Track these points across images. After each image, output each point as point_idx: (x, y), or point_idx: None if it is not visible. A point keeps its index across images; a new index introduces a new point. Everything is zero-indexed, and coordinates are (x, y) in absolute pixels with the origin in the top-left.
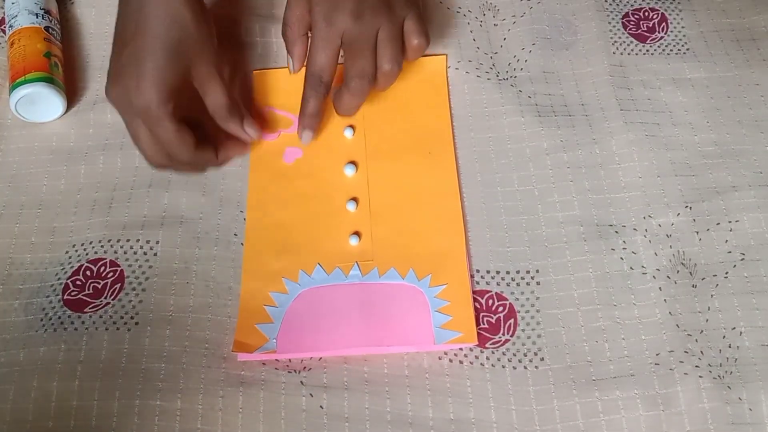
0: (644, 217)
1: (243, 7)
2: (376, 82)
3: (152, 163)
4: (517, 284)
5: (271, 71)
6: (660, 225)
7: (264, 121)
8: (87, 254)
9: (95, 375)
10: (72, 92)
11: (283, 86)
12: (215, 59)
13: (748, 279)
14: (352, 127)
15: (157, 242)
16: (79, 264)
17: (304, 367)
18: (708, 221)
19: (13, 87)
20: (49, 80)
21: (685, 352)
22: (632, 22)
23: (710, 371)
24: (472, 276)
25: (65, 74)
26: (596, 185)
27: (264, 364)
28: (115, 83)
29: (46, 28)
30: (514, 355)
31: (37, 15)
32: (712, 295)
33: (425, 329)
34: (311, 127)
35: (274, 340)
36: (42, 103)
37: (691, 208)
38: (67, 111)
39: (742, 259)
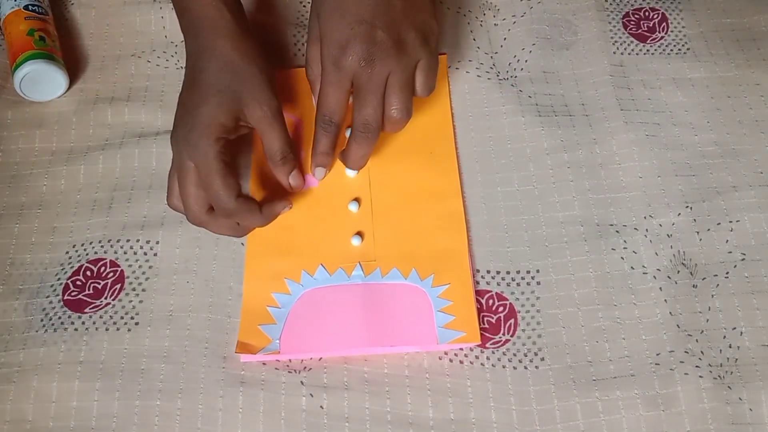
0: (645, 217)
1: (245, 8)
2: (383, 128)
3: (192, 214)
4: (518, 284)
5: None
6: (660, 225)
7: None
8: (87, 254)
9: (95, 375)
10: (72, 93)
11: (284, 87)
12: (273, 101)
13: (748, 279)
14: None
15: (157, 242)
16: (79, 264)
17: (305, 367)
18: (708, 221)
19: (13, 76)
20: (36, 56)
21: (686, 352)
22: (632, 22)
23: (710, 371)
24: (472, 276)
25: (66, 62)
26: (596, 185)
27: (264, 364)
28: (174, 131)
29: (26, 7)
30: (515, 355)
31: None
32: (712, 295)
33: (428, 329)
34: (324, 165)
35: (277, 341)
36: (41, 79)
37: (691, 208)
38: (69, 88)
39: (743, 259)
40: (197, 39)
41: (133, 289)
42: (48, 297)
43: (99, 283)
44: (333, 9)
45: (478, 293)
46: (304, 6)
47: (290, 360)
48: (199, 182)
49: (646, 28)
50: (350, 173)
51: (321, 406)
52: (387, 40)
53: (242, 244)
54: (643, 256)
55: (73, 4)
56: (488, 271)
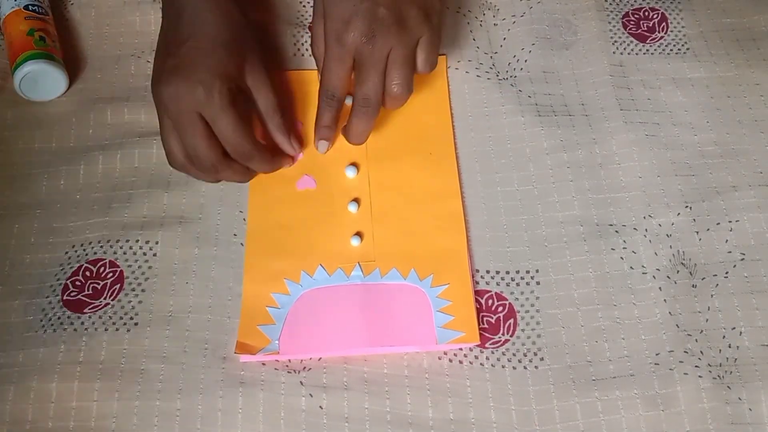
0: (644, 217)
1: (245, 8)
2: (384, 104)
3: (206, 165)
4: (517, 284)
5: (272, 73)
6: (660, 225)
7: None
8: (86, 254)
9: (94, 375)
10: (72, 93)
11: (284, 88)
12: (264, 61)
13: (748, 279)
14: None
15: (157, 242)
16: (78, 264)
17: (304, 368)
18: (708, 221)
19: (13, 76)
20: (36, 56)
21: (685, 352)
22: (632, 22)
23: (710, 371)
24: (472, 276)
25: (66, 62)
26: (596, 185)
27: (264, 364)
28: (168, 82)
29: (26, 7)
30: (514, 355)
31: None
32: (712, 295)
33: (427, 329)
34: (327, 138)
35: (277, 342)
36: (41, 79)
37: (691, 207)
38: (69, 88)
39: (742, 259)
40: None
41: (133, 290)
42: (47, 297)
43: (98, 284)
44: None
45: (478, 293)
46: (304, 6)
47: (290, 360)
48: (208, 132)
49: (645, 28)
50: (350, 173)
51: (320, 407)
52: (389, 16)
53: (242, 244)
54: (642, 256)
55: (73, 4)
56: (488, 271)
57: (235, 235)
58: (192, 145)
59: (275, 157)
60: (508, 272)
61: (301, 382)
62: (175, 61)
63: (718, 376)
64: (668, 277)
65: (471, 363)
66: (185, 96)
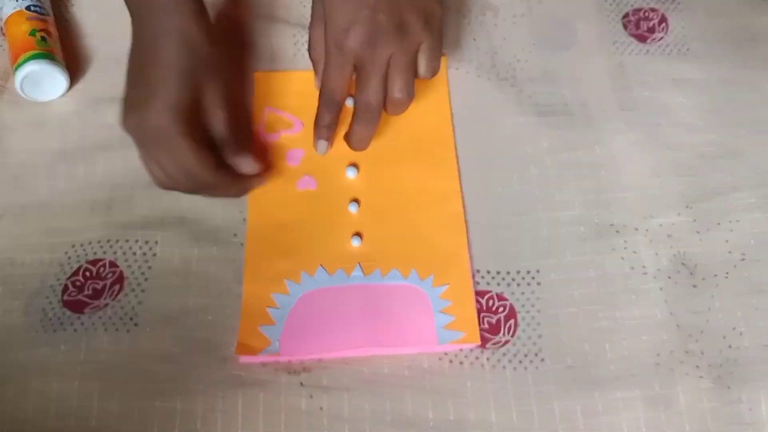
0: (645, 217)
1: (245, 8)
2: (386, 109)
3: (190, 188)
4: (518, 284)
5: (273, 73)
6: (660, 225)
7: (264, 139)
8: (86, 255)
9: (95, 376)
10: (73, 93)
11: (285, 88)
12: (223, 86)
13: (748, 279)
14: None
15: (157, 242)
16: (78, 265)
17: (304, 368)
18: (708, 221)
19: (14, 76)
20: (38, 56)
21: (686, 352)
22: (632, 23)
23: (710, 371)
24: (472, 276)
25: (67, 62)
26: (597, 185)
27: (264, 364)
28: (131, 113)
29: (27, 7)
30: (515, 355)
31: None
32: (712, 296)
33: (428, 330)
34: (326, 137)
35: (277, 342)
36: (42, 79)
37: (691, 208)
38: (70, 89)
39: (743, 260)
40: (156, 18)
41: (133, 290)
42: (48, 297)
43: (98, 284)
44: None
45: (479, 293)
46: (305, 6)
47: (290, 361)
48: (174, 164)
49: (645, 29)
50: (350, 174)
51: (321, 407)
52: (388, 23)
53: (242, 244)
54: (643, 256)
55: (74, 4)
56: (488, 272)
57: (235, 235)
58: (165, 173)
59: (242, 181)
60: (508, 272)
61: (301, 383)
62: (134, 94)
63: (719, 376)
64: (669, 277)
65: (472, 364)
66: (142, 130)
